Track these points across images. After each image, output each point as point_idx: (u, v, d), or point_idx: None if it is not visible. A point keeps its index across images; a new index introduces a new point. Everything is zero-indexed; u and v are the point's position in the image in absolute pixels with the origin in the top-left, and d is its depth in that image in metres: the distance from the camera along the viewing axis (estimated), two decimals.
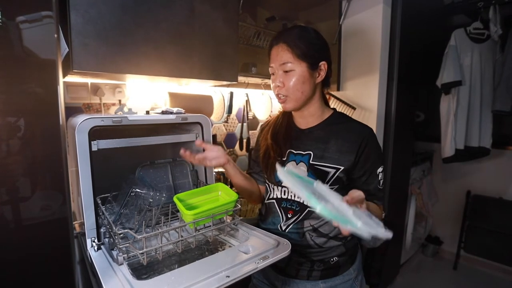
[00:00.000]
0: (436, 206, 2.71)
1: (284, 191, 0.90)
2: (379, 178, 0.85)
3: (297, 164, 0.87)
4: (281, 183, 0.89)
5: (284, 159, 0.90)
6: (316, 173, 0.84)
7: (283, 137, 0.91)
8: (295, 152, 0.89)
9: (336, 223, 0.60)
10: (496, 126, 2.16)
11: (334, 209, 0.61)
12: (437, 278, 2.40)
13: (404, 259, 2.45)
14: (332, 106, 0.96)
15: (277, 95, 0.86)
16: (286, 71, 0.82)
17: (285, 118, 0.95)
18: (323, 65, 0.84)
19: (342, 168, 0.83)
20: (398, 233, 2.21)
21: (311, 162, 0.85)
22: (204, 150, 0.92)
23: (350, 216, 0.58)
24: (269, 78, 1.54)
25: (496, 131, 2.17)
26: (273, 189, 0.93)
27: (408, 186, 2.22)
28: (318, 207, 0.59)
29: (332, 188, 0.83)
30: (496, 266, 2.42)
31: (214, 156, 0.89)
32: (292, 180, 0.67)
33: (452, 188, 2.67)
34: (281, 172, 0.72)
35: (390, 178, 1.87)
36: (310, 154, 0.86)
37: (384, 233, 0.58)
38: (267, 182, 0.96)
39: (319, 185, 0.68)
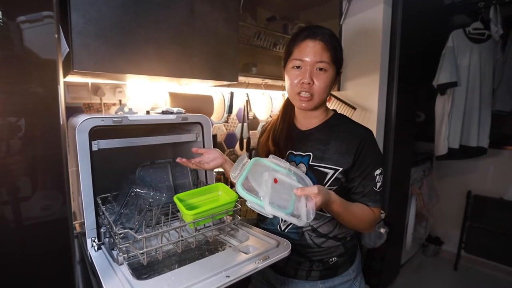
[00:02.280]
0: (437, 206, 2.70)
1: None
2: (377, 181, 0.84)
3: (297, 165, 0.87)
4: None
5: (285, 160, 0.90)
6: (315, 174, 0.84)
7: (284, 140, 0.90)
8: (295, 153, 0.89)
9: (248, 203, 0.67)
10: (496, 126, 2.16)
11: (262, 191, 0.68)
12: (437, 279, 2.40)
13: (405, 260, 2.45)
14: (333, 106, 0.96)
15: (299, 93, 0.82)
16: (319, 70, 0.80)
17: (286, 122, 0.93)
18: (341, 73, 0.87)
19: (341, 169, 0.82)
20: (399, 234, 2.21)
21: (310, 163, 0.85)
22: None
23: (262, 197, 0.66)
24: (269, 78, 1.55)
25: (496, 131, 2.17)
26: None
27: (409, 186, 2.22)
28: (240, 191, 0.67)
29: (330, 189, 0.83)
30: (496, 266, 2.42)
31: (211, 158, 0.91)
32: (245, 167, 0.75)
33: (452, 188, 2.66)
34: (239, 160, 0.77)
35: (391, 178, 1.87)
36: (310, 155, 0.86)
37: (289, 218, 0.65)
38: None
39: (265, 174, 0.72)
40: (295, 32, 0.86)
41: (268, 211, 0.64)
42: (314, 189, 0.68)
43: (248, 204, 0.67)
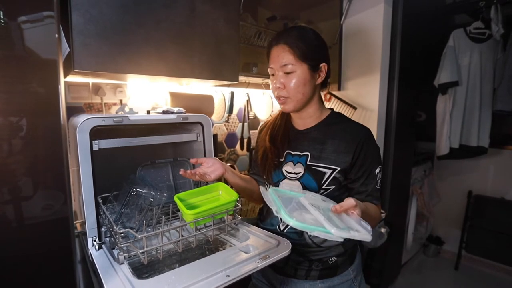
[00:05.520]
0: (438, 206, 2.70)
1: None
2: (377, 179, 0.85)
3: (294, 165, 0.87)
4: (279, 184, 0.90)
5: (282, 160, 0.90)
6: (313, 174, 0.84)
7: (281, 139, 0.91)
8: (292, 153, 0.89)
9: (311, 232, 0.63)
10: (497, 125, 2.16)
11: (312, 219, 0.65)
12: (438, 279, 2.39)
13: (405, 259, 2.44)
14: (333, 106, 0.96)
15: (277, 97, 0.85)
16: (287, 73, 0.81)
17: (283, 119, 0.94)
18: (323, 66, 0.84)
19: (339, 168, 0.82)
20: (399, 233, 2.20)
21: (308, 163, 0.85)
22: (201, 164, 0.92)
23: (323, 223, 0.62)
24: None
25: (497, 131, 2.17)
26: None
27: (410, 186, 2.21)
28: (291, 222, 0.64)
29: (328, 189, 0.83)
30: (497, 266, 2.41)
31: (212, 169, 0.89)
32: (272, 198, 0.73)
33: (453, 188, 2.66)
34: (264, 193, 0.77)
35: (391, 178, 1.86)
36: (308, 155, 0.86)
37: (361, 236, 0.61)
38: (266, 183, 0.96)
39: (302, 199, 0.72)
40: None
41: (338, 234, 0.60)
42: (351, 201, 0.67)
43: (313, 234, 0.63)
